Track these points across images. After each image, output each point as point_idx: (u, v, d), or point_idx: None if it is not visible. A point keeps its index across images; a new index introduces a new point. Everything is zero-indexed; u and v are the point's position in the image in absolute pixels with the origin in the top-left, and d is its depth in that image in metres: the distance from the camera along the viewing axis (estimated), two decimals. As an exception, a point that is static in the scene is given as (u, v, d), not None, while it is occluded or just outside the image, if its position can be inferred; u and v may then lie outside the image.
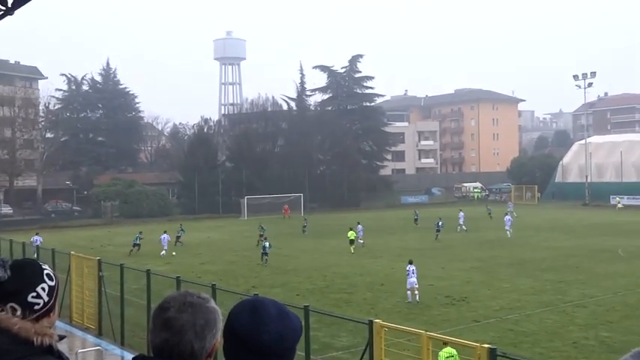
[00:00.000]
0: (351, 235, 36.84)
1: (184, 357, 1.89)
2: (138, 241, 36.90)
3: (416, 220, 52.67)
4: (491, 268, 29.15)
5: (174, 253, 36.42)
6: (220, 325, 1.97)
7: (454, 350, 11.31)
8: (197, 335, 1.89)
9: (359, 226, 39.66)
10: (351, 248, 36.05)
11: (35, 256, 25.53)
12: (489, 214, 55.74)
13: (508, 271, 28.19)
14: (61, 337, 2.17)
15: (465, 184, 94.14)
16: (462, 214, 46.68)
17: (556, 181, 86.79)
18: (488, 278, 26.58)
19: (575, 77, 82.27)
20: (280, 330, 1.86)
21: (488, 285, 25.02)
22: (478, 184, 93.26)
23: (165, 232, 38.10)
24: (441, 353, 11.41)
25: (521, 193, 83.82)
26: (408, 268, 22.62)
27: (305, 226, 48.12)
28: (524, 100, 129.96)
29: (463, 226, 45.96)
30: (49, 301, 2.20)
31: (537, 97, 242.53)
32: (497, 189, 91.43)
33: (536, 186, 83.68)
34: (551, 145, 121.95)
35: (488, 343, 9.95)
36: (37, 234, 37.13)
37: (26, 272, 2.19)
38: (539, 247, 36.52)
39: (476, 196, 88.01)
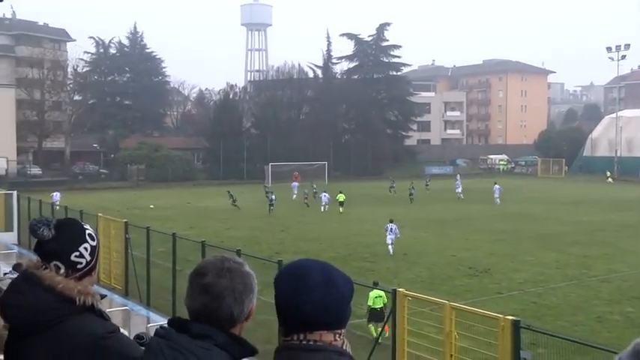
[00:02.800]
0: (341, 197, 40.59)
1: (223, 321, 1.90)
2: (272, 202, 40.33)
3: (392, 188, 53.31)
4: (515, 241, 28.99)
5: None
6: (257, 289, 1.98)
7: (383, 292, 13.32)
8: (236, 300, 1.91)
9: (324, 193, 42.56)
10: (340, 209, 39.80)
11: (51, 211, 26.17)
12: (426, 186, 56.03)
13: (532, 244, 28.01)
14: (102, 296, 2.20)
15: (491, 156, 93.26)
16: (497, 186, 46.34)
17: (584, 154, 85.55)
18: (512, 251, 26.47)
19: (609, 49, 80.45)
20: (324, 299, 1.82)
21: (511, 257, 24.91)
22: (504, 157, 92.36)
23: (324, 191, 43.18)
24: (371, 294, 13.91)
25: (548, 167, 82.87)
26: (386, 226, 25.95)
27: (315, 192, 47.49)
28: (554, 72, 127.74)
29: (497, 199, 45.46)
30: (90, 261, 2.23)
31: (568, 70, 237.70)
32: (523, 161, 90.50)
33: (563, 159, 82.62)
34: (581, 119, 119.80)
35: (511, 315, 9.93)
36: (57, 191, 42.23)
37: (69, 232, 2.22)
38: (565, 220, 36.15)
39: (501, 169, 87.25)
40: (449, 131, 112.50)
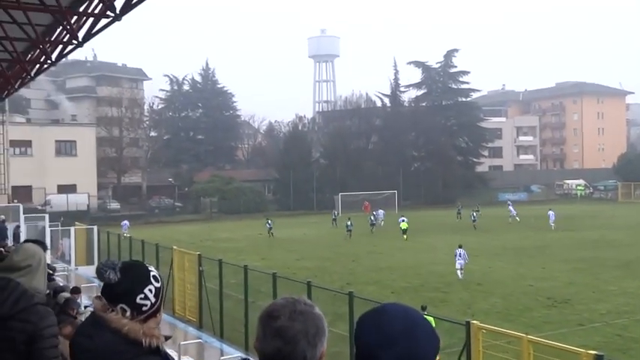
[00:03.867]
0: (403, 225, 41.44)
1: None
2: (350, 228, 42.78)
3: (459, 213, 54.45)
4: (595, 270, 27.77)
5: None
6: (327, 331, 1.95)
7: (432, 318, 12.19)
8: (310, 343, 1.88)
9: (379, 210, 48.33)
10: (404, 236, 40.64)
11: (128, 244, 27.08)
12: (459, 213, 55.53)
13: (615, 273, 26.75)
14: (167, 338, 2.23)
15: (567, 181, 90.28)
16: (551, 212, 46.37)
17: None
18: (592, 280, 25.35)
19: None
20: (406, 350, 1.75)
21: (592, 287, 23.85)
22: (581, 181, 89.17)
23: (380, 208, 48.38)
24: None
25: (629, 191, 79.44)
26: (455, 252, 26.67)
27: (373, 224, 47.06)
28: (632, 93, 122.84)
29: (552, 224, 45.48)
30: (155, 302, 2.27)
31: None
32: (602, 186, 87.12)
33: (645, 183, 79.03)
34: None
35: (594, 349, 9.47)
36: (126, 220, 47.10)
37: (135, 274, 2.27)
38: (650, 248, 34.39)
39: (579, 194, 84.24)
40: (522, 156, 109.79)
